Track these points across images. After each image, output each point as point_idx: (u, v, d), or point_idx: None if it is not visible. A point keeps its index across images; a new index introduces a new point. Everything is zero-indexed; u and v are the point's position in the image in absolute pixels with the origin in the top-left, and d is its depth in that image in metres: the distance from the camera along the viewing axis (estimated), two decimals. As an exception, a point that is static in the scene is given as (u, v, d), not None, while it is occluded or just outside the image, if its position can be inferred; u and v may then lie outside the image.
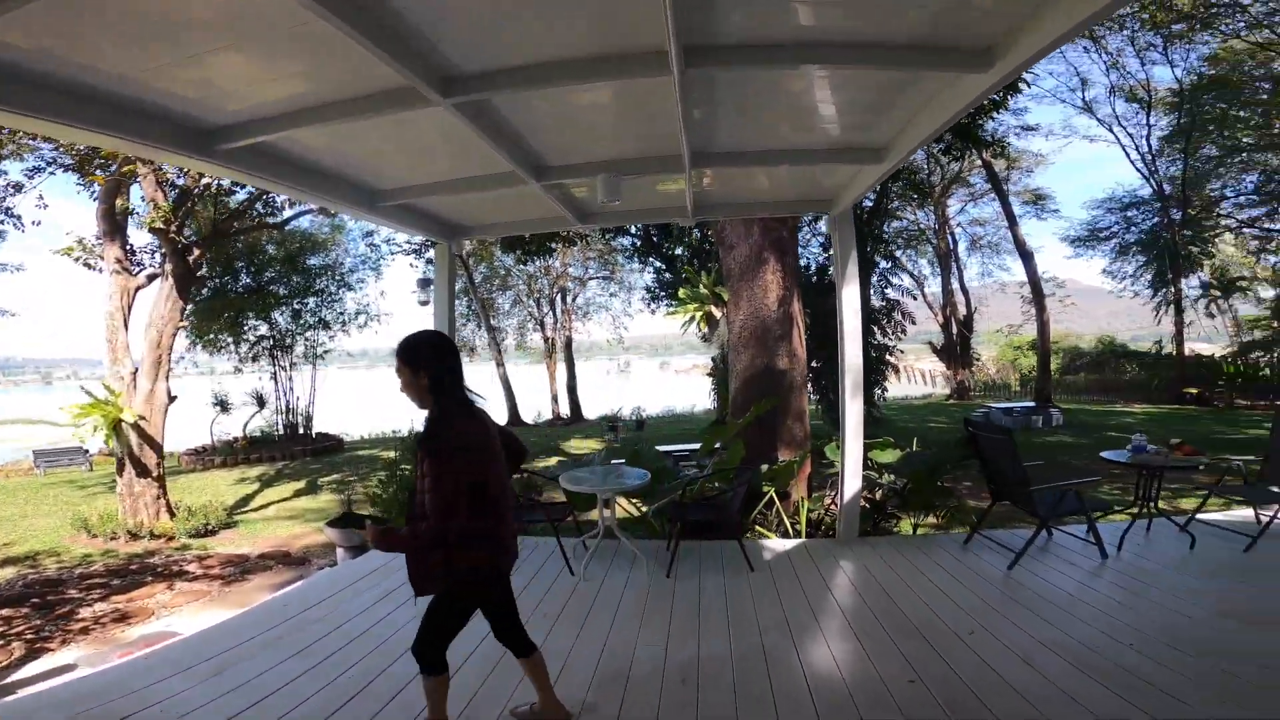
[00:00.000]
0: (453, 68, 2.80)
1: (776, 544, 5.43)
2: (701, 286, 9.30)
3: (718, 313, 8.82)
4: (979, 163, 22.31)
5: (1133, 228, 23.90)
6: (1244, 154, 20.54)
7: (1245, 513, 5.38)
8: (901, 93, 3.14)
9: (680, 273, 15.97)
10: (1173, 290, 22.16)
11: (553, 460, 15.55)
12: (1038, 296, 21.55)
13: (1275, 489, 4.90)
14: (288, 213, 14.21)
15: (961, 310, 27.05)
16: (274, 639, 3.85)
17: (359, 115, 3.06)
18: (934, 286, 27.63)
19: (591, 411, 28.20)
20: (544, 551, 5.39)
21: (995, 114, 13.62)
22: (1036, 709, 2.81)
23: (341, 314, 21.52)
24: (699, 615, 4.06)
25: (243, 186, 12.30)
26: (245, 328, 19.11)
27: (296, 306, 20.06)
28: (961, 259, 28.25)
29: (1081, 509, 4.51)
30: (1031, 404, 19.45)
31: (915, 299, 25.47)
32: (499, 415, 26.10)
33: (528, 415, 27.57)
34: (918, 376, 32.25)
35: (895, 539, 5.49)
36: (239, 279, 18.58)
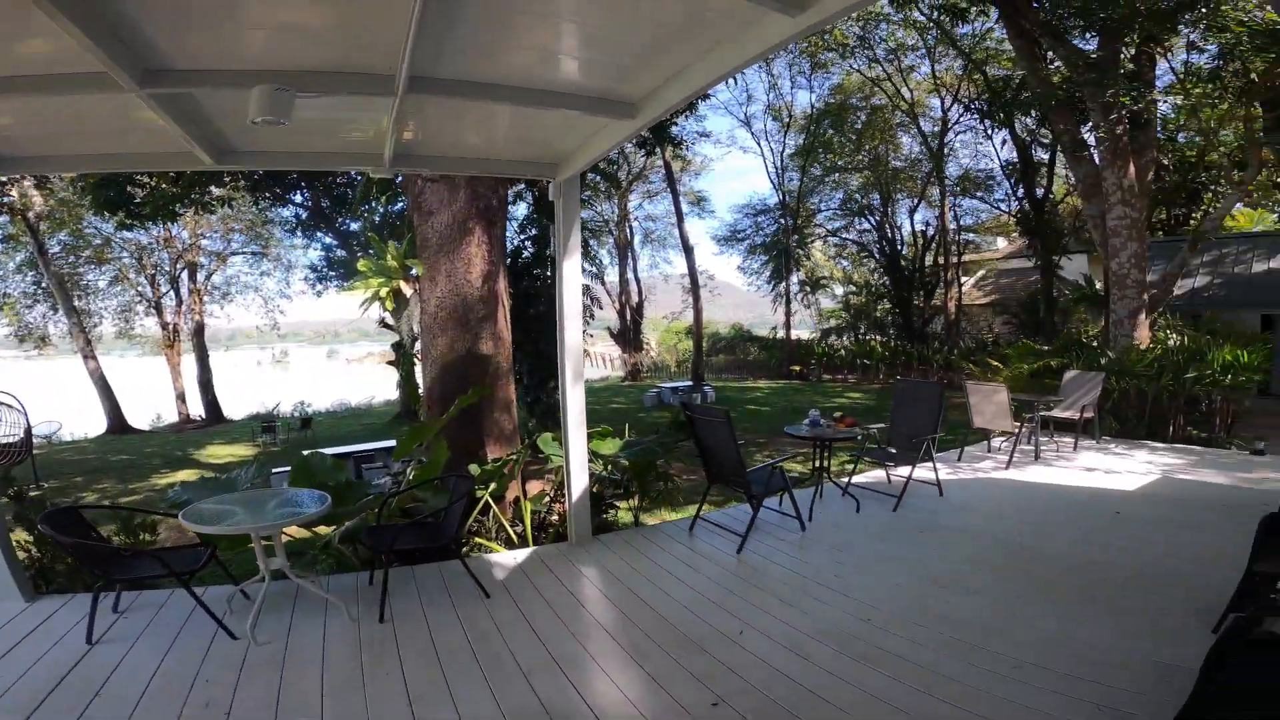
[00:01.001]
0: None
1: (505, 557, 4.78)
2: (389, 258, 7.88)
3: (408, 289, 7.63)
4: (659, 163, 24.56)
5: (761, 232, 29.12)
6: (837, 175, 26.59)
7: (880, 473, 6.59)
8: (690, 27, 2.68)
9: (360, 249, 13.86)
10: (784, 286, 27.59)
11: (179, 475, 11.99)
12: (695, 288, 24.67)
13: (893, 450, 6.09)
14: None
15: (634, 298, 29.67)
16: None
17: None
18: (612, 276, 29.81)
19: (237, 410, 23.40)
20: (178, 612, 3.78)
21: (687, 115, 14.98)
22: (849, 714, 2.75)
23: None
24: (442, 670, 3.17)
25: None
26: None
27: None
28: (636, 251, 31.03)
29: (784, 485, 4.89)
30: (689, 383, 22.25)
31: (604, 285, 27.17)
32: (95, 421, 19.80)
33: (141, 419, 21.56)
34: (598, 360, 34.45)
35: (626, 534, 5.30)
36: None
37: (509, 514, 5.92)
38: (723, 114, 29.57)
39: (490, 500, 5.43)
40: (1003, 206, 23.98)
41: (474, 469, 5.55)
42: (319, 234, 20.24)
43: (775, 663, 3.18)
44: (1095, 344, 11.41)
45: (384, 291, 7.68)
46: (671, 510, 6.77)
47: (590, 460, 5.14)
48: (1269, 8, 7.62)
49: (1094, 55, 10.12)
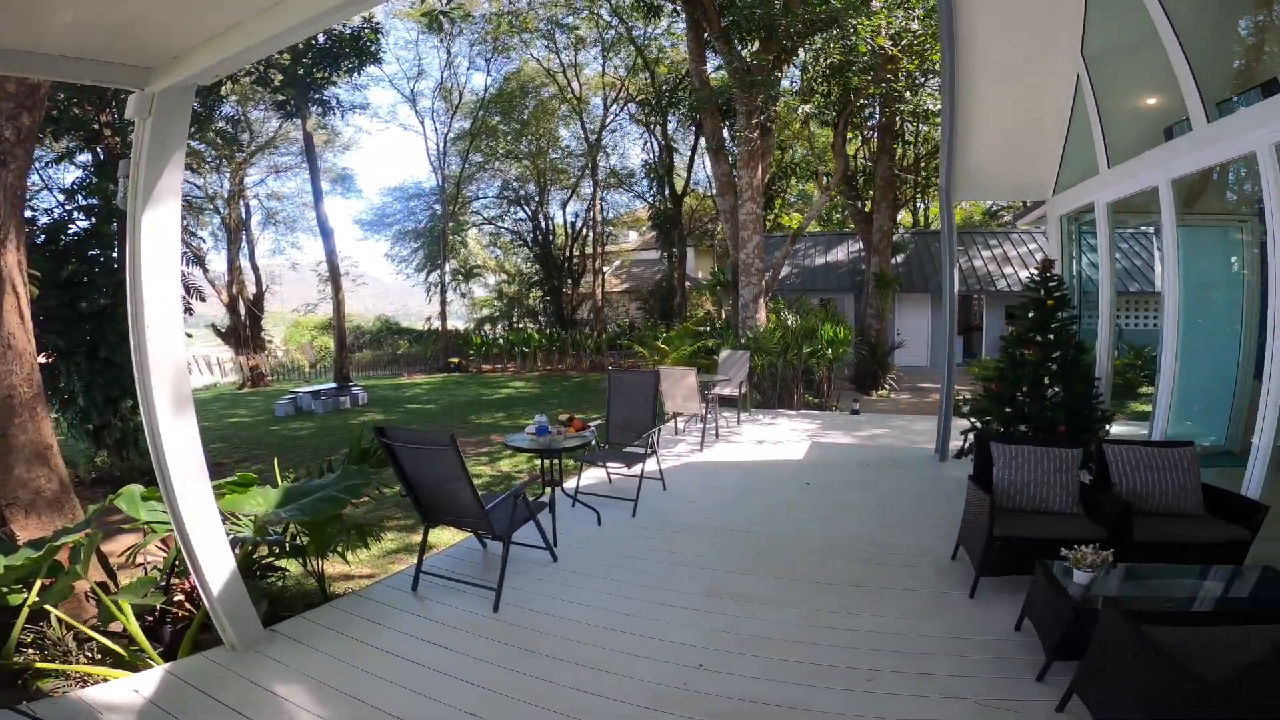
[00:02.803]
0: None
1: (119, 690, 2.70)
2: None
3: None
4: (294, 134, 20.27)
5: (413, 217, 26.73)
6: (498, 162, 25.80)
7: (599, 472, 5.98)
8: None
9: None
10: (440, 274, 25.91)
11: None
12: (335, 276, 21.24)
13: (606, 445, 5.59)
14: None
15: (251, 289, 24.33)
16: None
17: None
18: (219, 263, 23.92)
19: None
20: None
21: (351, 77, 12.39)
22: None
23: None
24: None
25: None
26: None
27: None
28: (253, 233, 25.42)
29: (530, 514, 3.80)
30: (335, 385, 19.09)
31: (205, 272, 21.49)
32: None
33: None
34: (201, 365, 27.41)
35: (321, 614, 3.47)
36: None
37: (89, 613, 3.57)
38: (386, 87, 26.46)
39: (50, 607, 3.11)
40: (647, 199, 26.38)
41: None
42: None
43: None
44: (723, 325, 13.02)
45: None
46: (349, 549, 5.00)
47: (232, 521, 3.28)
48: (880, 35, 9.38)
49: (752, 60, 11.40)
